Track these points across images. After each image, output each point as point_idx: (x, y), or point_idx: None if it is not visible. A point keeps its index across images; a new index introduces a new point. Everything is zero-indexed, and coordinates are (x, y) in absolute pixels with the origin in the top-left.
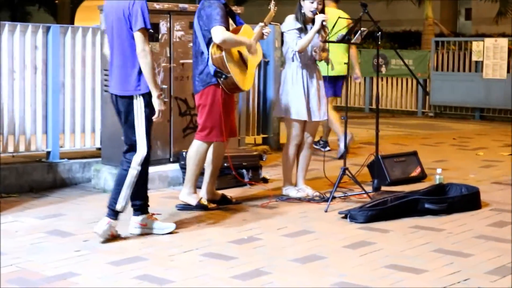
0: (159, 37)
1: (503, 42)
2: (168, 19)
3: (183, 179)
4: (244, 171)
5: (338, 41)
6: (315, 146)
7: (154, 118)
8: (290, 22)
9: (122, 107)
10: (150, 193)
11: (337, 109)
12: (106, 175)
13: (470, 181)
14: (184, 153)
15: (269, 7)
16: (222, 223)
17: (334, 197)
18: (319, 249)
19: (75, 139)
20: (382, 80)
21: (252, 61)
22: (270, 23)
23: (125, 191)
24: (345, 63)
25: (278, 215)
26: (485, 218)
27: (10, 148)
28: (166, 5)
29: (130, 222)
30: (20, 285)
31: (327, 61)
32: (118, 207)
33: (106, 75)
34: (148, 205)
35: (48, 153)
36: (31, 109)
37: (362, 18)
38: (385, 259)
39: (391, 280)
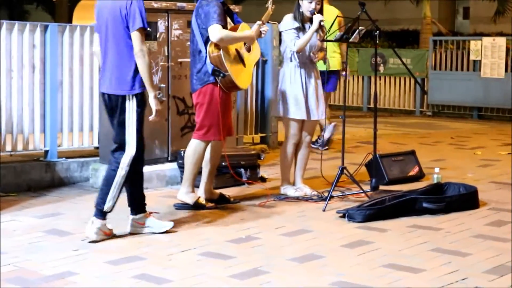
0: (157, 35)
1: (501, 41)
2: (166, 18)
3: (181, 178)
4: (242, 170)
5: (337, 40)
6: (313, 146)
7: (151, 118)
8: (288, 22)
9: (115, 106)
10: (148, 192)
11: (335, 108)
12: (104, 174)
13: (468, 180)
14: (182, 152)
15: (266, 6)
16: (220, 222)
17: (332, 196)
18: (317, 248)
19: (73, 138)
20: (380, 79)
21: (250, 60)
22: (267, 22)
23: (113, 192)
24: (343, 62)
25: (276, 214)
26: (483, 217)
27: (8, 147)
28: (164, 4)
29: (128, 221)
30: (18, 285)
31: (324, 60)
32: (106, 207)
33: None
34: (145, 204)
35: (46, 152)
36: (29, 108)
37: (360, 17)
38: (383, 258)
39: (389, 280)
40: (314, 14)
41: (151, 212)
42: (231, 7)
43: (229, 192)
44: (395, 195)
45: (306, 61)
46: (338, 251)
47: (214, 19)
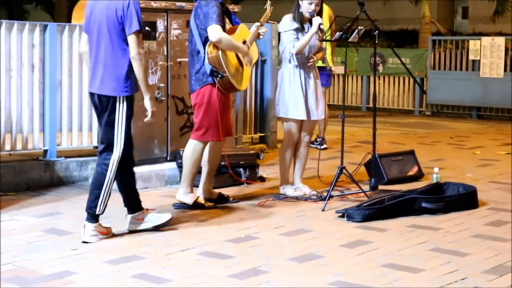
0: (156, 35)
1: (500, 40)
2: (165, 18)
3: (180, 178)
4: (241, 169)
5: (336, 40)
6: (312, 145)
7: (146, 119)
8: (287, 22)
9: (106, 106)
10: (147, 192)
11: (334, 107)
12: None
13: (467, 180)
14: (181, 152)
15: (265, 7)
16: (219, 222)
17: (331, 196)
18: (316, 248)
19: (72, 138)
20: (379, 78)
21: None
22: (266, 22)
23: (104, 194)
24: (342, 62)
25: (275, 214)
26: (482, 217)
27: (7, 146)
28: (163, 4)
29: (127, 220)
30: (17, 284)
31: (323, 60)
32: (98, 210)
33: None
34: (141, 201)
35: (45, 151)
36: (28, 107)
37: (359, 17)
38: (382, 258)
39: (388, 279)
40: (314, 16)
41: (148, 209)
42: (230, 7)
43: (228, 191)
44: (394, 195)
45: (305, 62)
46: (337, 251)
47: (213, 19)
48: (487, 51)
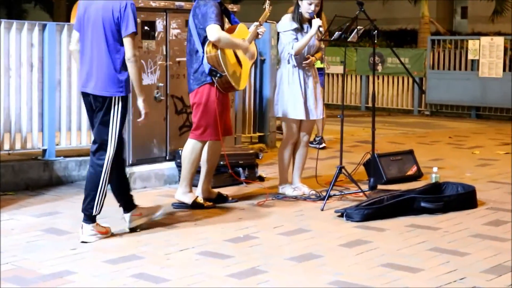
0: (155, 35)
1: (499, 40)
2: (165, 17)
3: (179, 177)
4: (240, 169)
5: (335, 40)
6: (311, 145)
7: (140, 120)
8: (286, 23)
9: (101, 107)
10: (146, 192)
11: (333, 107)
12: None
13: (466, 180)
14: (180, 151)
15: (264, 7)
16: (218, 221)
17: (330, 196)
18: (315, 247)
19: (71, 137)
20: (378, 78)
21: (247, 60)
22: (265, 22)
23: (100, 195)
24: (341, 62)
25: (274, 214)
26: (481, 216)
27: (6, 146)
28: (162, 3)
29: (124, 219)
30: (16, 284)
31: (321, 60)
32: (95, 211)
33: None
34: (133, 199)
35: (44, 151)
36: (27, 107)
37: (358, 17)
38: (381, 258)
39: (387, 279)
40: (314, 18)
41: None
42: (230, 6)
43: (227, 191)
44: (393, 195)
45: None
46: (336, 251)
47: (212, 19)
48: (486, 50)
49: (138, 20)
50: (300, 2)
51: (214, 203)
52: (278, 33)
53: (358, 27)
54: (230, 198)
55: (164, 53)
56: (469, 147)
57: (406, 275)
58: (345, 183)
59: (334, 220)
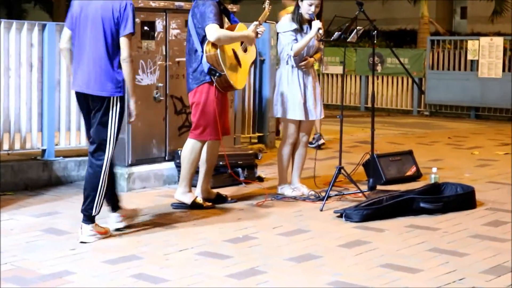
0: (155, 35)
1: (499, 41)
2: (164, 17)
3: (179, 177)
4: (239, 169)
5: (334, 40)
6: (310, 146)
7: (130, 120)
8: (286, 23)
9: (99, 107)
10: (145, 192)
11: (333, 107)
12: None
13: (465, 180)
14: (179, 152)
15: (263, 6)
16: (217, 222)
17: (329, 196)
18: (314, 248)
19: (71, 137)
20: (377, 78)
21: (246, 60)
22: (265, 22)
23: (100, 195)
24: (340, 62)
25: (273, 214)
26: (480, 217)
27: (5, 146)
28: (162, 3)
29: (113, 219)
30: (16, 284)
31: (320, 60)
32: (94, 212)
33: None
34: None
35: (44, 151)
36: (26, 107)
37: (358, 17)
38: (380, 258)
39: (386, 280)
40: (314, 19)
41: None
42: (229, 6)
43: (226, 191)
44: (392, 195)
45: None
46: (335, 251)
47: (211, 18)
48: (485, 51)
49: (138, 20)
50: (300, 3)
51: (213, 203)
52: (277, 34)
53: (357, 28)
54: (229, 199)
55: (164, 53)
56: (468, 148)
57: (405, 275)
58: (344, 183)
59: (333, 220)
